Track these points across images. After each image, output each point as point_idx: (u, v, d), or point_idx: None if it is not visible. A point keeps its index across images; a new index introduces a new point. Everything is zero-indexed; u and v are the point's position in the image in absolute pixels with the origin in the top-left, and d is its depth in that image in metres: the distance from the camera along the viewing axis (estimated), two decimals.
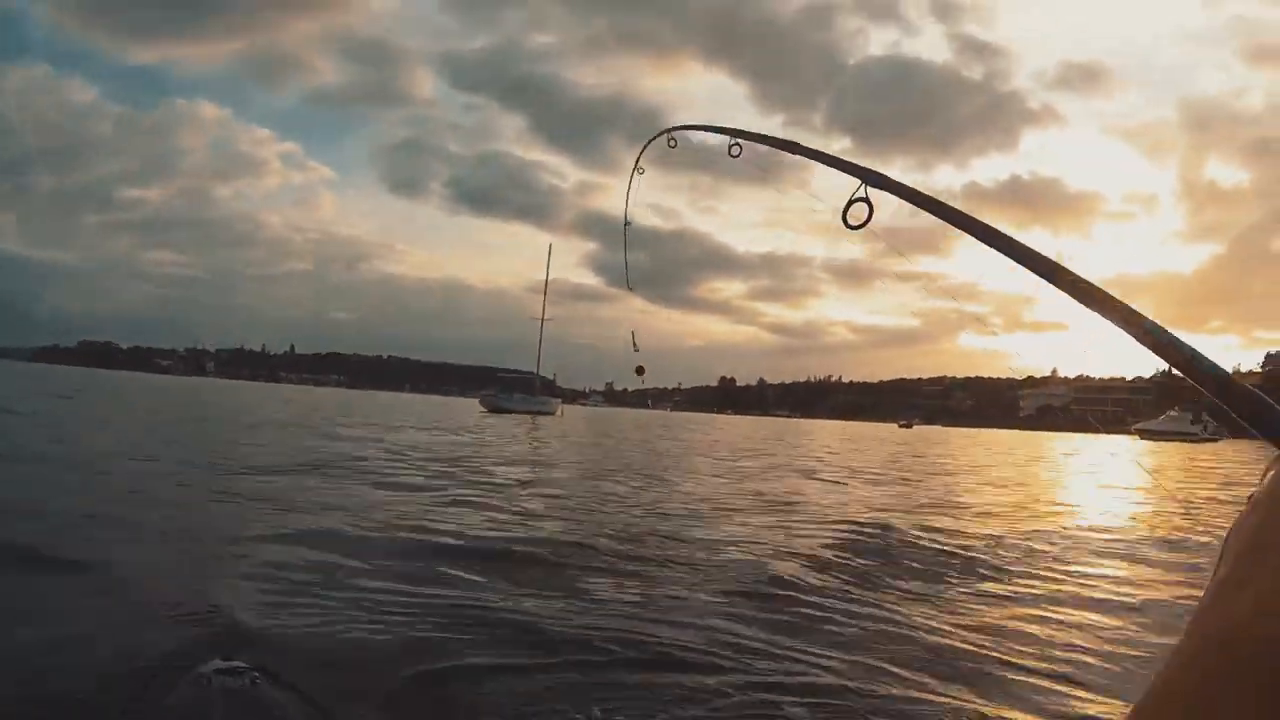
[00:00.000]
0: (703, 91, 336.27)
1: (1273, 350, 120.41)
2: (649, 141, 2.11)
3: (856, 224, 0.93)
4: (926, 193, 0.90)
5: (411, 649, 3.27)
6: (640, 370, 3.98)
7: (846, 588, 5.03)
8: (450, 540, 5.64)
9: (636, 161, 2.40)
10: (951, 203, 0.86)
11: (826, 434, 48.37)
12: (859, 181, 0.93)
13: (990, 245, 0.80)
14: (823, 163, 1.05)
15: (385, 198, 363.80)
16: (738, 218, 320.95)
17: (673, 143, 1.80)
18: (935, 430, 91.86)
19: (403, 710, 2.75)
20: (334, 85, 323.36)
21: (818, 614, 4.28)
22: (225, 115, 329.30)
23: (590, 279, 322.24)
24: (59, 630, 3.22)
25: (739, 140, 1.40)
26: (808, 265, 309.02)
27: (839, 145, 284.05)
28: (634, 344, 3.78)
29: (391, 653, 3.22)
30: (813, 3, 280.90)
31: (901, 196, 0.93)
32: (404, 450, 13.72)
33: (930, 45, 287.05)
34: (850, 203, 0.92)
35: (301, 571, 4.41)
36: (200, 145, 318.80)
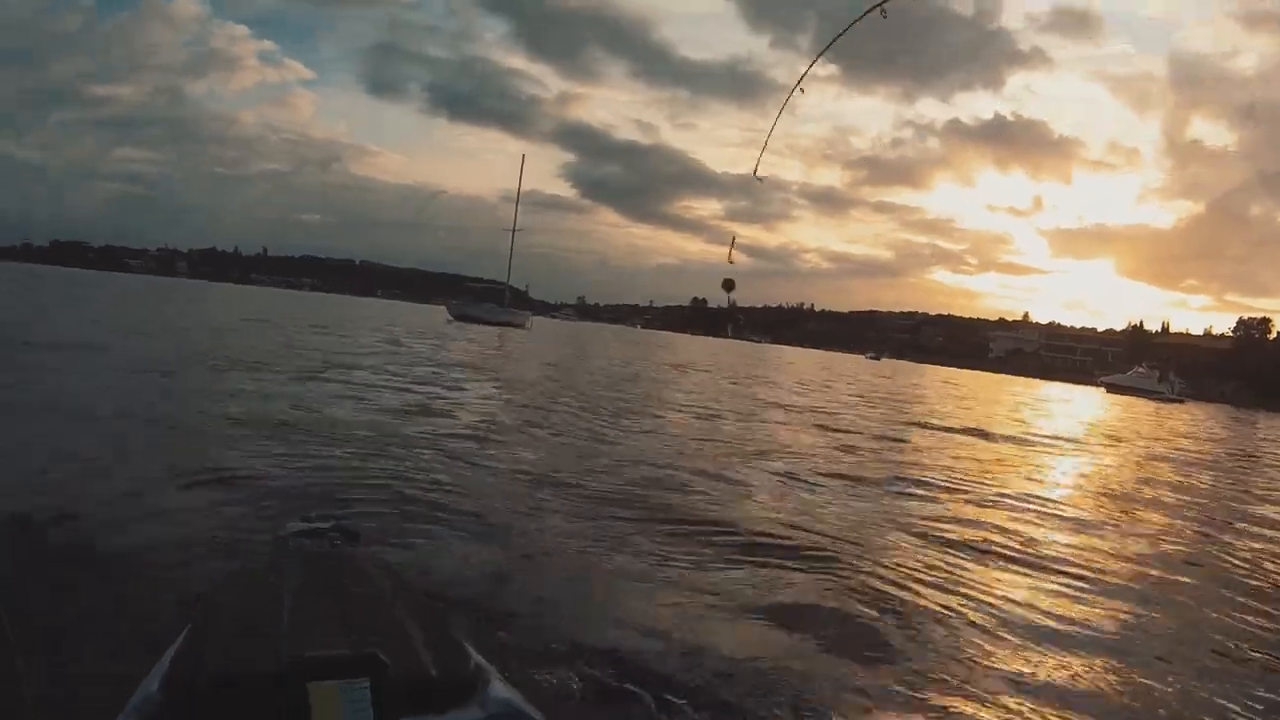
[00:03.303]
0: (688, 7, 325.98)
1: (1244, 316, 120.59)
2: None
3: None
4: None
5: (479, 518, 3.63)
6: (729, 285, 3.58)
7: None
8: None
9: (827, 46, 2.45)
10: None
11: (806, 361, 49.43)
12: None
13: None
14: None
15: (362, 98, 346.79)
16: (715, 135, 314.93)
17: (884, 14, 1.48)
18: (907, 365, 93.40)
19: (475, 577, 2.94)
20: None
21: None
22: (201, 11, 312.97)
23: (566, 190, 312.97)
24: (128, 492, 3.36)
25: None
26: (784, 189, 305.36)
27: (826, 71, 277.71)
28: (729, 257, 3.38)
29: (456, 522, 3.51)
30: None
31: None
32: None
33: None
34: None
35: (370, 444, 5.25)
36: (173, 41, 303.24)
